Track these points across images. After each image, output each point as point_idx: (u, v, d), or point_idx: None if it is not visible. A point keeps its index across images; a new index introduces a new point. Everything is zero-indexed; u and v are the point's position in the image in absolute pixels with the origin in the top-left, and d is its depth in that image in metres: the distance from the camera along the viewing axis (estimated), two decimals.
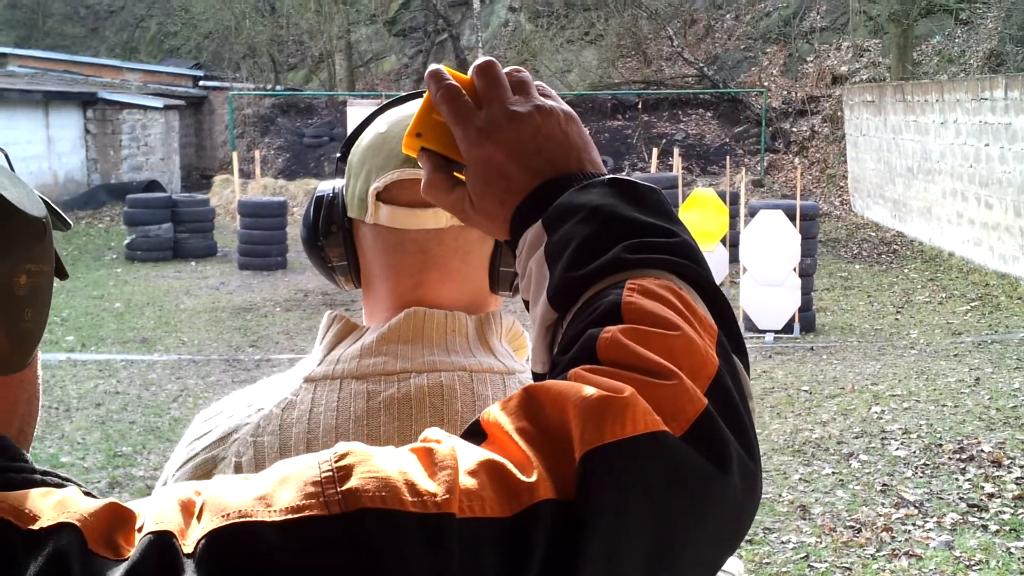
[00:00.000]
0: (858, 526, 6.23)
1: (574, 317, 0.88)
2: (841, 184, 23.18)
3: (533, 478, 0.74)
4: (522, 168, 0.97)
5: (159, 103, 26.55)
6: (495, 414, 0.80)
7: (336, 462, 0.74)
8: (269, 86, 31.34)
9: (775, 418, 8.49)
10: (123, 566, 0.71)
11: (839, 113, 23.87)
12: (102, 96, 24.99)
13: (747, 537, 6.08)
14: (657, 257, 0.89)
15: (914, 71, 22.07)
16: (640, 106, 27.48)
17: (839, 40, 26.86)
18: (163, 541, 0.71)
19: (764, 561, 5.78)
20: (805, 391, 9.28)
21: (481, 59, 1.02)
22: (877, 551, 5.87)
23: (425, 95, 1.03)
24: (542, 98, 1.03)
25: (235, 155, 20.41)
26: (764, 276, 11.30)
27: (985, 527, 6.18)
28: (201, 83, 31.85)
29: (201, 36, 33.57)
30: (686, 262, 0.90)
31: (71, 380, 9.91)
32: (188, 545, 0.71)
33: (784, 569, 5.68)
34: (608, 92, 28.01)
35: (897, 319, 12.42)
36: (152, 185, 24.48)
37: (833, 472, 7.19)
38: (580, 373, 0.80)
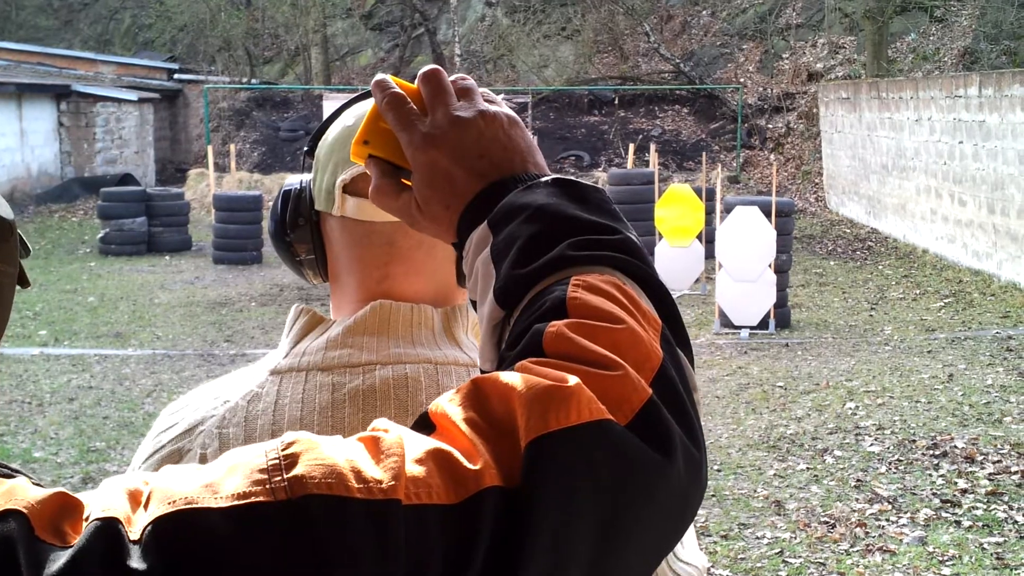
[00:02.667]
0: (832, 521, 6.25)
1: (520, 314, 0.90)
2: (816, 181, 23.26)
3: (479, 466, 0.76)
4: (467, 172, 0.98)
5: (133, 96, 26.41)
6: (443, 405, 0.81)
7: (283, 450, 0.75)
8: (244, 79, 31.23)
9: (750, 414, 8.51)
10: (68, 551, 0.71)
11: (814, 110, 23.96)
12: (76, 89, 24.84)
13: (722, 532, 6.10)
14: (601, 254, 0.90)
15: (889, 68, 22.16)
16: (617, 102, 27.50)
17: (815, 37, 26.95)
18: (109, 527, 0.72)
19: (739, 556, 5.80)
20: (780, 387, 9.31)
21: (426, 67, 1.04)
22: (851, 546, 5.90)
23: (372, 103, 1.03)
24: (486, 103, 1.06)
25: (210, 149, 20.31)
26: (739, 272, 11.33)
27: (958, 523, 6.21)
28: (176, 76, 31.70)
29: (176, 29, 33.40)
30: (630, 259, 0.92)
31: (44, 375, 9.85)
32: (134, 532, 0.71)
33: (759, 564, 5.70)
34: (585, 87, 28.02)
35: (871, 315, 12.47)
36: (126, 179, 24.36)
37: (807, 468, 7.22)
38: (526, 365, 0.81)
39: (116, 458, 7.59)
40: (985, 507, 6.43)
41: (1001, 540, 5.94)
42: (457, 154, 0.99)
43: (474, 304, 0.99)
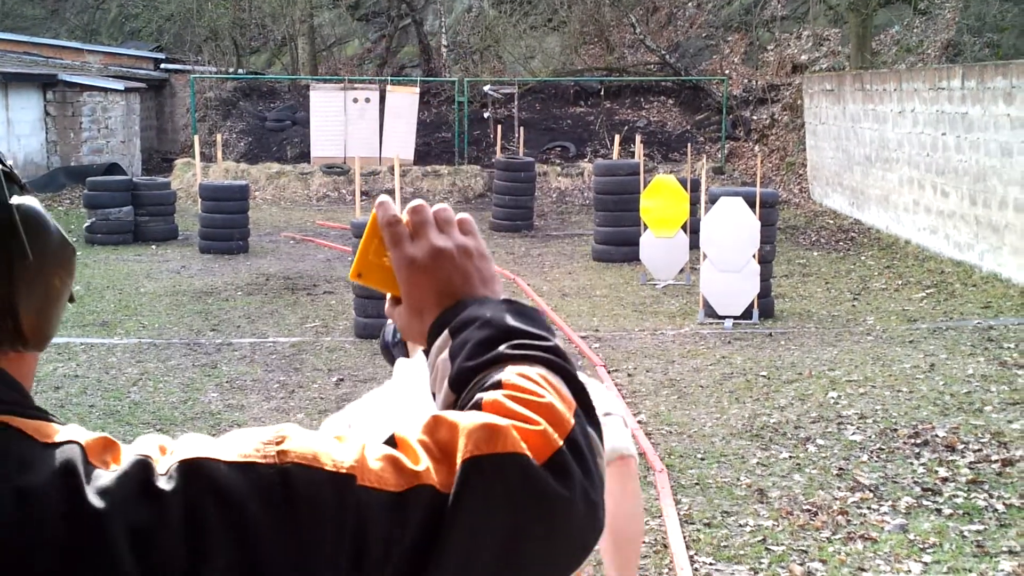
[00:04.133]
0: (814, 509, 6.32)
1: (466, 395, 1.17)
2: (800, 172, 23.33)
3: (422, 467, 1.05)
4: (440, 293, 1.27)
5: (120, 85, 26.34)
6: (404, 431, 1.10)
7: (275, 434, 1.07)
8: (231, 69, 31.16)
9: (733, 403, 8.58)
10: (112, 472, 1.03)
11: (799, 101, 24.02)
12: (62, 78, 24.77)
13: (705, 520, 6.17)
14: (533, 354, 1.17)
15: (873, 60, 22.24)
16: (602, 93, 27.52)
17: (799, 29, 27.01)
18: (143, 461, 1.04)
19: (722, 544, 5.86)
20: (763, 376, 9.37)
21: (414, 201, 1.31)
22: (833, 534, 5.96)
23: (364, 237, 1.32)
24: (462, 236, 1.32)
25: (197, 138, 20.28)
26: (724, 262, 11.39)
27: (939, 511, 6.28)
28: (162, 66, 31.62)
29: (163, 18, 33.33)
30: (555, 359, 1.18)
31: None
32: (162, 468, 1.03)
33: (742, 552, 5.76)
34: (571, 79, 28.05)
35: (854, 306, 12.55)
36: (113, 168, 24.30)
37: (790, 456, 7.28)
38: (471, 412, 1.10)
39: None
40: (966, 495, 6.51)
41: (981, 528, 6.01)
42: (434, 280, 1.27)
43: (434, 396, 1.25)
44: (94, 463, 1.04)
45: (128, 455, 1.05)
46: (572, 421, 1.10)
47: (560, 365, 1.17)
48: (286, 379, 9.49)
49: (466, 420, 1.07)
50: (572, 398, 1.14)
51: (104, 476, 1.02)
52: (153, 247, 17.28)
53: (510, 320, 1.20)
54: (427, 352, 1.26)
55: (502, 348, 1.17)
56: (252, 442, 1.05)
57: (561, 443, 1.07)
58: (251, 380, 9.45)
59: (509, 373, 1.14)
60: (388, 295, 1.34)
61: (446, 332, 1.23)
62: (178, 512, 1.00)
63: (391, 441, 1.09)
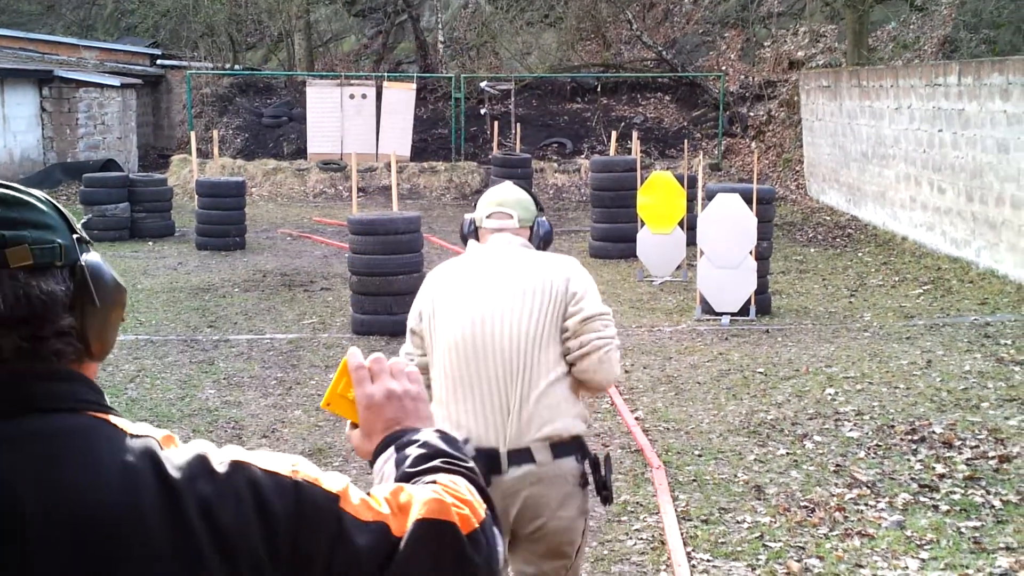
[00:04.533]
0: (812, 506, 6.32)
1: None
2: (797, 168, 23.34)
3: (385, 512, 1.54)
4: (387, 421, 1.77)
5: (116, 81, 26.31)
6: (377, 489, 1.61)
7: (292, 459, 1.57)
8: (227, 65, 31.13)
9: (731, 399, 8.58)
10: (183, 456, 1.49)
11: (795, 98, 24.02)
12: (58, 74, 24.74)
13: (703, 517, 6.18)
14: (458, 468, 1.67)
15: (869, 57, 22.24)
16: (599, 89, 27.51)
17: (796, 25, 27.01)
18: (203, 454, 1.51)
19: (719, 540, 5.87)
20: (760, 373, 9.38)
21: (374, 355, 1.82)
22: (830, 530, 5.97)
23: (336, 376, 1.82)
24: (408, 383, 1.80)
25: (193, 134, 20.29)
26: (721, 259, 11.40)
27: (936, 507, 6.29)
28: (159, 62, 31.60)
29: (159, 14, 33.28)
30: (472, 475, 1.67)
31: None
32: (215, 460, 1.51)
33: (739, 548, 5.76)
34: (567, 75, 28.04)
35: (851, 302, 12.56)
36: (109, 164, 24.28)
37: (787, 453, 7.29)
38: (424, 489, 1.60)
39: None
40: (963, 492, 6.51)
41: (978, 524, 6.02)
42: (383, 415, 1.78)
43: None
44: (164, 447, 1.50)
45: (190, 448, 1.52)
46: (483, 515, 1.60)
47: (476, 480, 1.67)
48: (283, 375, 9.49)
49: (420, 494, 1.58)
50: (484, 502, 1.63)
51: (176, 458, 1.49)
52: (150, 243, 17.28)
53: (441, 445, 1.71)
54: (372, 463, 1.77)
55: (436, 462, 1.67)
56: (277, 460, 1.56)
57: (477, 525, 1.58)
58: (248, 377, 9.45)
59: (442, 477, 1.64)
60: (349, 421, 1.86)
61: (392, 448, 1.73)
62: (230, 491, 1.47)
63: (367, 493, 1.58)
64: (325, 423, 8.11)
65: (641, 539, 5.94)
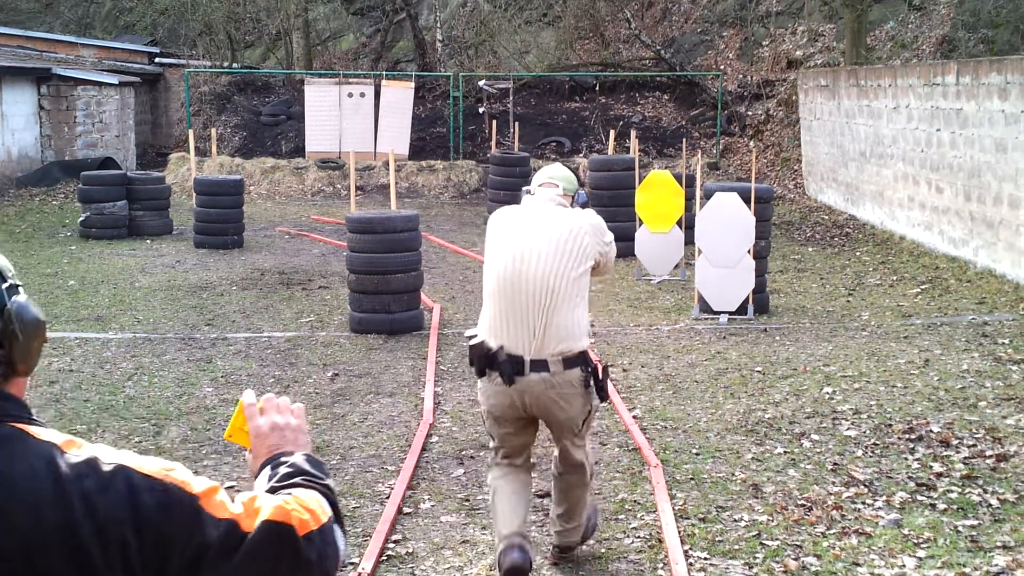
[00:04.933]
0: (809, 504, 6.32)
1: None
2: (795, 167, 23.35)
3: (238, 511, 1.93)
4: (270, 448, 2.24)
5: (114, 79, 26.29)
6: (238, 495, 2.00)
7: (168, 464, 1.97)
8: (226, 64, 31.11)
9: (728, 398, 8.59)
10: (76, 457, 1.88)
11: (794, 97, 24.02)
12: (56, 72, 24.72)
13: (700, 515, 6.18)
14: (315, 484, 2.10)
15: (867, 56, 22.25)
16: (597, 88, 27.51)
17: (794, 24, 27.01)
18: (93, 456, 1.88)
19: (717, 539, 5.87)
20: (758, 372, 9.38)
21: (266, 397, 2.32)
22: (827, 529, 5.97)
23: (235, 413, 2.29)
24: (291, 418, 2.29)
25: (191, 133, 20.28)
26: (719, 258, 11.40)
27: (933, 506, 6.29)
28: (157, 60, 31.57)
29: (157, 12, 33.23)
30: (327, 491, 2.10)
31: None
32: (105, 461, 1.89)
33: (736, 547, 5.77)
34: (566, 74, 28.04)
35: (849, 301, 12.56)
36: (107, 162, 24.26)
37: (785, 451, 7.29)
38: (275, 497, 2.03)
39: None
40: (960, 490, 6.52)
41: (975, 523, 6.02)
42: (267, 443, 2.25)
43: None
44: (64, 450, 1.89)
45: (85, 451, 1.91)
46: (324, 521, 2.02)
47: (329, 494, 2.11)
48: (281, 374, 9.49)
49: (270, 501, 1.99)
50: (331, 512, 2.06)
51: (72, 458, 1.88)
52: (148, 241, 17.27)
53: (305, 466, 2.16)
54: (255, 477, 2.22)
55: (297, 479, 2.12)
56: (156, 464, 1.94)
57: (315, 528, 1.99)
58: (246, 375, 9.45)
59: (298, 490, 2.07)
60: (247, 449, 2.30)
61: (269, 467, 2.19)
62: (111, 487, 1.85)
63: (232, 497, 1.98)
64: (322, 421, 8.11)
65: (639, 537, 5.94)
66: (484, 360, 5.16)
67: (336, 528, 2.05)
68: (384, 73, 26.96)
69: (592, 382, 5.19)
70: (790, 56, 25.94)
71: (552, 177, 5.50)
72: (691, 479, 6.81)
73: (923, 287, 13.21)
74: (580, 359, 5.13)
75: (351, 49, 33.89)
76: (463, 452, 7.41)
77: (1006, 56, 15.70)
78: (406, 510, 6.36)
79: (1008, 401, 8.37)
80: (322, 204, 22.58)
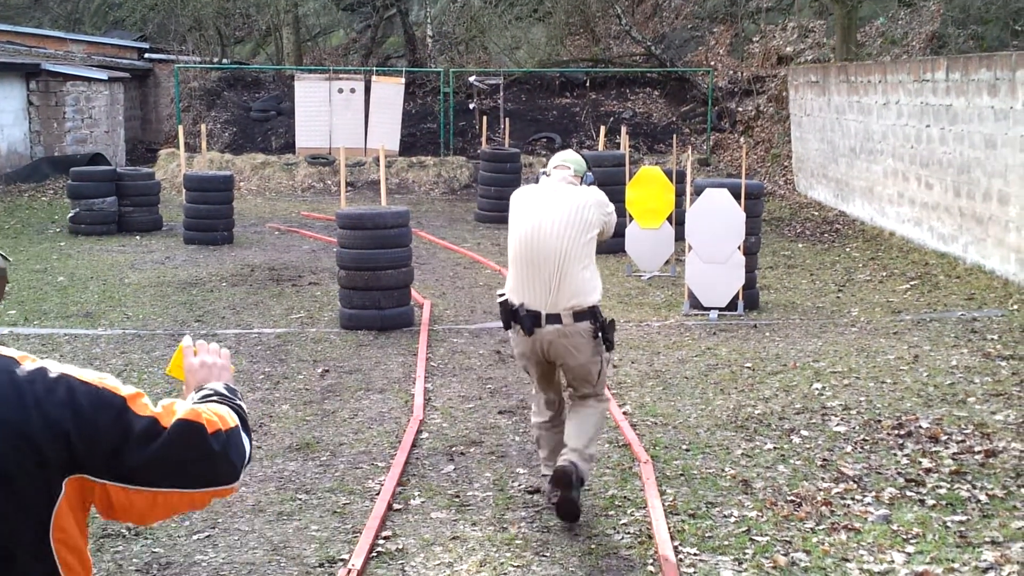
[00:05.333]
0: (798, 500, 6.33)
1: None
2: (785, 164, 23.37)
3: (159, 411, 2.38)
4: (200, 380, 2.73)
5: (104, 75, 26.21)
6: (164, 401, 2.46)
7: (103, 375, 2.41)
8: (216, 59, 31.05)
9: (718, 394, 8.59)
10: (28, 367, 2.36)
11: (784, 93, 24.05)
12: (45, 67, 24.63)
13: (690, 511, 6.18)
14: (229, 402, 2.58)
15: (858, 52, 22.27)
16: (588, 84, 27.52)
17: (785, 21, 27.04)
18: (43, 366, 2.39)
19: (706, 535, 5.87)
20: (748, 368, 9.39)
21: (199, 341, 2.84)
22: (817, 525, 5.98)
23: (175, 354, 2.85)
24: (217, 358, 2.80)
25: (181, 128, 20.20)
26: (709, 254, 11.41)
27: (922, 501, 6.30)
28: (147, 55, 31.48)
29: (146, 8, 33.17)
30: (239, 407, 2.59)
31: None
32: (51, 371, 2.38)
33: (726, 542, 5.77)
34: (556, 70, 28.03)
35: (839, 297, 12.58)
36: (96, 158, 24.20)
37: (775, 447, 7.30)
38: (190, 404, 2.52)
39: None
40: (949, 486, 6.53)
41: (964, 518, 6.04)
42: (197, 377, 2.74)
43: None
44: (20, 363, 2.35)
45: (36, 363, 2.35)
46: (231, 425, 2.48)
47: (240, 410, 2.59)
48: (271, 370, 9.48)
49: (185, 406, 2.44)
50: (238, 422, 2.53)
51: (26, 367, 2.33)
52: (137, 237, 17.23)
53: (222, 390, 2.66)
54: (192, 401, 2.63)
55: (214, 398, 2.61)
56: (92, 374, 2.37)
57: (222, 429, 2.43)
58: (236, 371, 9.42)
59: (212, 404, 2.55)
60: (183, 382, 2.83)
61: (196, 393, 2.67)
62: (55, 390, 2.30)
63: (155, 403, 2.42)
64: (312, 418, 8.10)
65: (628, 533, 5.94)
66: (509, 315, 6.15)
67: (243, 434, 2.52)
68: (374, 69, 26.95)
69: (600, 334, 6.09)
70: (780, 52, 25.96)
71: (565, 160, 6.46)
72: (681, 475, 6.82)
73: (912, 283, 13.24)
74: (589, 313, 6.05)
75: (341, 45, 33.85)
76: (453, 448, 7.41)
77: (995, 52, 15.73)
78: (396, 506, 6.36)
79: (997, 397, 8.39)
80: (312, 200, 22.55)
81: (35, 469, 2.25)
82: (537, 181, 6.49)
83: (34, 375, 2.31)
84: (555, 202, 6.13)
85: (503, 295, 6.20)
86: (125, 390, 2.38)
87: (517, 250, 6.11)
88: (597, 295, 6.12)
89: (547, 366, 6.30)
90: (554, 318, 6.00)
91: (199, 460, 2.38)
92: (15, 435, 2.23)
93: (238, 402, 2.63)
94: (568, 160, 6.46)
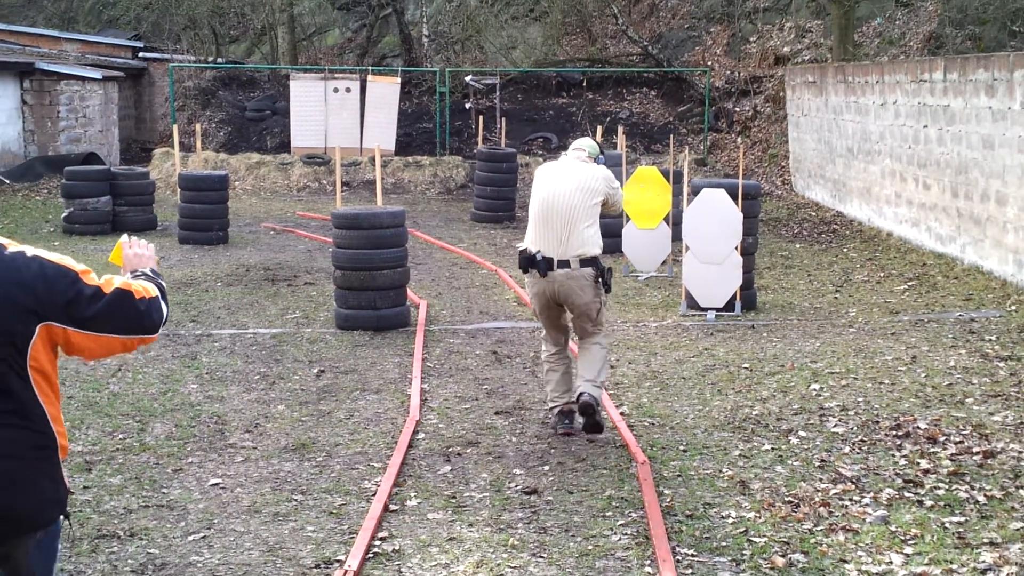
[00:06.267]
0: (796, 501, 6.30)
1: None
2: (783, 164, 23.36)
3: (102, 282, 3.43)
4: (134, 267, 3.82)
5: (98, 74, 26.17)
6: (106, 277, 3.53)
7: (70, 260, 3.49)
8: (210, 58, 31.01)
9: (716, 395, 8.57)
10: (13, 251, 3.44)
11: (781, 93, 24.04)
12: (39, 66, 24.58)
13: (687, 512, 6.16)
14: (154, 280, 3.68)
15: (855, 52, 22.27)
16: (585, 84, 27.50)
17: (782, 21, 27.03)
18: (20, 249, 3.48)
19: (704, 535, 5.84)
20: (746, 368, 9.36)
21: (133, 238, 3.97)
22: (815, 526, 5.95)
23: (115, 248, 3.92)
24: (147, 251, 3.89)
25: (175, 128, 20.18)
26: (706, 254, 11.38)
27: (920, 502, 6.28)
28: (141, 54, 31.45)
29: (141, 7, 33.13)
30: (160, 283, 3.68)
31: None
32: (27, 255, 3.43)
33: (724, 543, 5.74)
34: (553, 69, 28.01)
35: (836, 298, 12.56)
36: (91, 157, 24.15)
37: (772, 448, 7.27)
38: (124, 279, 3.60)
39: (80, 438, 7.56)
40: (947, 487, 6.50)
41: (963, 519, 6.01)
42: (131, 264, 3.83)
43: None
44: (6, 248, 3.33)
45: (18, 246, 3.35)
46: (153, 295, 3.50)
47: (160, 286, 3.62)
48: (266, 370, 9.44)
49: (120, 280, 3.46)
50: (159, 292, 3.57)
51: (10, 249, 3.33)
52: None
53: (149, 272, 3.70)
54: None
55: (142, 278, 3.63)
56: (57, 256, 3.39)
57: (146, 296, 3.46)
58: (231, 371, 9.40)
59: (141, 280, 3.58)
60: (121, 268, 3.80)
61: (130, 275, 3.65)
62: (31, 265, 3.30)
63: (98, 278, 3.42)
64: (308, 418, 8.06)
65: (626, 534, 5.91)
66: (527, 261, 7.60)
67: (161, 301, 3.58)
68: (370, 68, 26.91)
69: (600, 279, 7.55)
70: (778, 52, 25.96)
71: (581, 145, 8.07)
72: (678, 476, 6.79)
73: (910, 284, 13.22)
74: (592, 261, 7.52)
75: (337, 44, 33.82)
76: (450, 449, 7.38)
77: (993, 53, 15.72)
78: (392, 507, 6.32)
79: (995, 398, 8.37)
80: (308, 200, 22.51)
81: (17, 317, 3.31)
82: (557, 159, 8.08)
83: (15, 255, 3.34)
84: (569, 174, 7.69)
85: (523, 247, 7.68)
86: (79, 267, 3.42)
87: (537, 210, 7.62)
88: (599, 249, 7.57)
89: (556, 309, 7.69)
90: (564, 263, 7.46)
91: (130, 316, 3.46)
92: (4, 295, 3.28)
93: (159, 281, 3.74)
94: (584, 145, 8.07)
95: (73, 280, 3.38)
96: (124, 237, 3.96)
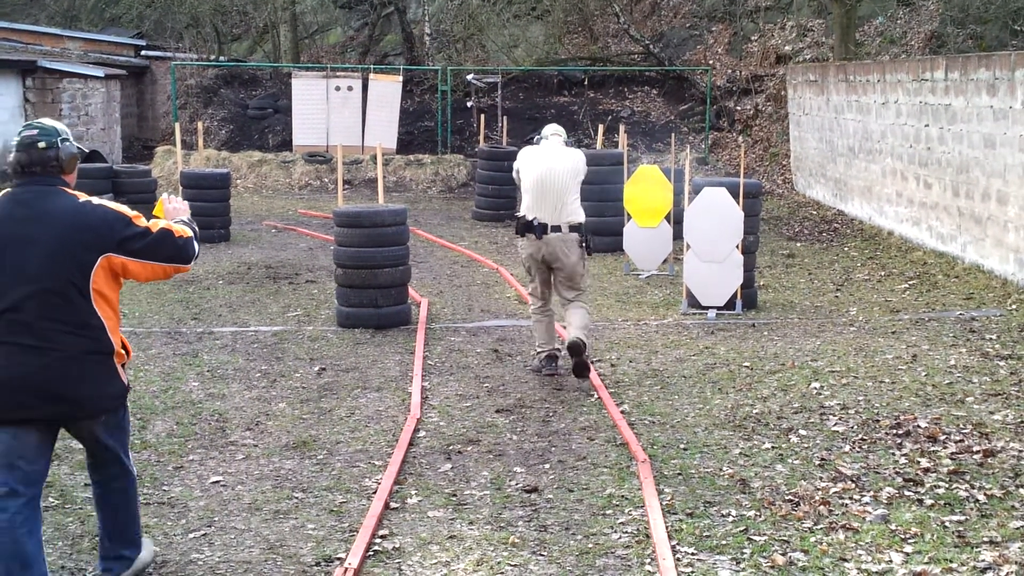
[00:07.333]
0: (796, 500, 6.31)
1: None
2: (784, 163, 23.36)
3: (150, 223, 4.98)
4: (171, 217, 5.29)
5: (100, 72, 26.16)
6: (153, 220, 5.16)
7: (122, 207, 5.05)
8: (212, 56, 31.01)
9: (716, 393, 8.57)
10: (85, 199, 5.00)
11: (782, 92, 24.03)
12: (42, 64, 24.57)
13: (688, 510, 6.16)
14: (191, 226, 5.20)
15: (856, 51, 22.26)
16: (586, 82, 27.49)
17: (783, 19, 27.02)
18: (88, 198, 5.06)
19: (704, 534, 5.85)
20: (746, 367, 9.37)
21: (173, 196, 5.52)
22: (815, 524, 5.96)
23: (157, 204, 5.44)
24: (180, 205, 5.39)
25: (177, 126, 20.19)
26: (707, 253, 11.39)
27: (921, 501, 6.28)
28: (143, 52, 31.44)
29: (143, 5, 33.12)
30: (195, 228, 5.22)
31: None
32: (94, 202, 5.01)
33: (724, 542, 5.75)
34: (554, 68, 28.00)
35: (837, 296, 12.56)
36: (93, 155, 24.11)
37: (773, 447, 7.28)
38: (166, 222, 5.20)
39: None
40: (947, 486, 6.51)
41: (963, 518, 6.01)
42: (170, 216, 5.27)
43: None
44: (79, 198, 4.90)
45: (87, 198, 4.91)
46: (189, 235, 5.07)
47: (194, 230, 5.16)
48: (268, 368, 9.45)
49: (162, 223, 5.04)
50: (193, 233, 5.11)
51: (81, 199, 4.90)
52: None
53: (185, 219, 5.22)
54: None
55: (179, 224, 5.11)
56: (117, 204, 5.00)
57: (183, 236, 5.03)
58: (232, 369, 9.41)
59: (180, 224, 5.12)
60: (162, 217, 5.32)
61: (168, 222, 5.07)
62: (98, 211, 4.85)
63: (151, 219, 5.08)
64: (309, 416, 8.08)
65: (626, 533, 5.92)
66: (524, 226, 9.01)
67: (194, 240, 5.01)
68: (372, 67, 26.91)
69: (584, 243, 9.02)
70: (779, 51, 25.95)
71: (556, 131, 9.48)
72: (679, 474, 6.79)
73: (911, 283, 13.22)
74: (578, 228, 8.99)
75: (339, 43, 33.81)
76: (450, 447, 7.39)
77: (994, 52, 15.71)
78: (393, 505, 6.33)
79: (995, 397, 8.37)
80: (309, 198, 22.52)
81: (83, 248, 4.70)
82: (537, 143, 9.51)
83: (85, 203, 4.79)
84: (559, 156, 9.13)
85: (521, 214, 9.10)
86: (132, 212, 4.87)
87: (533, 184, 9.00)
88: (583, 217, 9.06)
89: (546, 272, 9.15)
90: (556, 228, 8.91)
91: (170, 249, 4.92)
92: (75, 230, 4.67)
93: (193, 226, 5.13)
94: (559, 131, 9.51)
95: (127, 223, 4.82)
96: (164, 195, 5.44)
